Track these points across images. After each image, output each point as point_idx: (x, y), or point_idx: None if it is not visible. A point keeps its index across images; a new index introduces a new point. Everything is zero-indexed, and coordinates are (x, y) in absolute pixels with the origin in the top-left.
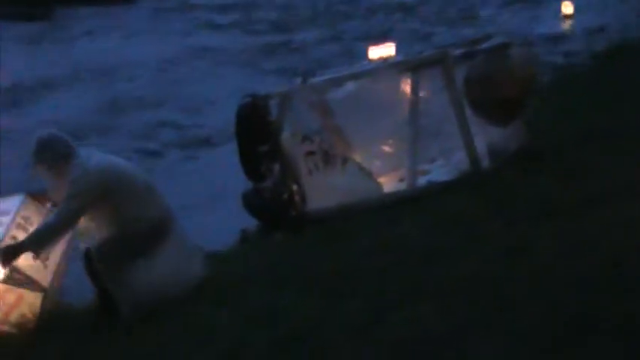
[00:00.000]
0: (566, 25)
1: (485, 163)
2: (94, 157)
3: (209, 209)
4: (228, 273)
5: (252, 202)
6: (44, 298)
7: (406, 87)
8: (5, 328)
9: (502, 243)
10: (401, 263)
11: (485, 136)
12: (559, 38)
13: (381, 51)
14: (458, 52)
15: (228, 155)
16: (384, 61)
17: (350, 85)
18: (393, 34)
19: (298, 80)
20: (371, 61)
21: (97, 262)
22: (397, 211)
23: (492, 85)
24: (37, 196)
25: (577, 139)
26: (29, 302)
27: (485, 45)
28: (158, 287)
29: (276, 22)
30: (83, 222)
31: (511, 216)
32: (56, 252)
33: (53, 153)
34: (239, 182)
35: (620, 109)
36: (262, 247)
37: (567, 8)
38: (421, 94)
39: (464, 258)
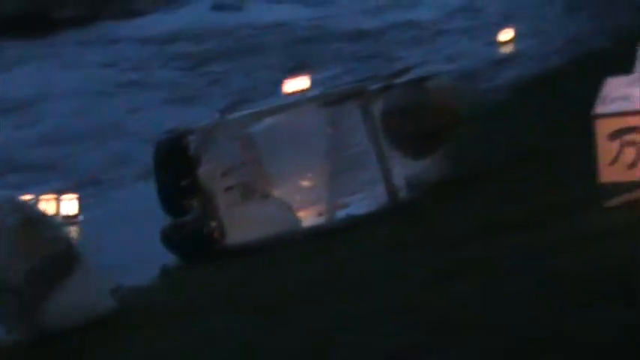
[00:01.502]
0: (505, 50)
1: (405, 194)
2: None
3: (129, 244)
4: (150, 305)
5: (171, 238)
6: None
7: (325, 121)
8: None
9: (423, 271)
10: (330, 293)
11: (404, 168)
12: (496, 64)
13: (296, 84)
14: (375, 85)
15: (147, 190)
16: (303, 95)
17: (269, 120)
18: (317, 66)
19: (218, 115)
20: (287, 94)
21: None
22: (319, 243)
23: (410, 117)
24: None
25: (505, 163)
26: None
27: (402, 78)
28: (63, 316)
29: (198, 55)
30: None
31: (434, 244)
32: None
33: None
34: (158, 218)
35: (549, 133)
36: (185, 280)
37: (506, 35)
38: (340, 127)
39: (391, 285)
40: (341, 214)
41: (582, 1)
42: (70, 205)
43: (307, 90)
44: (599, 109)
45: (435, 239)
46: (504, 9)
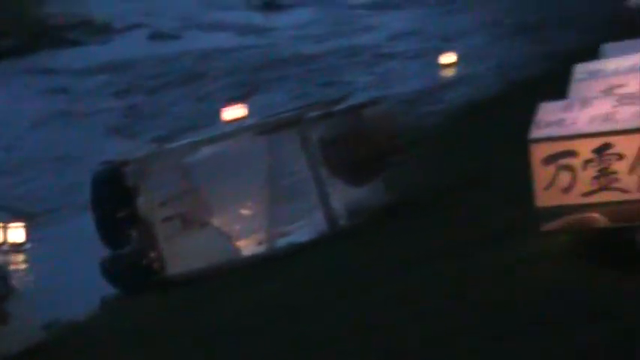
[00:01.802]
0: (446, 74)
1: (344, 221)
2: None
3: (70, 275)
4: (88, 337)
5: (111, 269)
6: None
7: (263, 149)
8: None
9: (369, 298)
10: (269, 322)
11: (344, 195)
12: (436, 88)
13: (235, 112)
14: (314, 113)
15: (87, 222)
16: (241, 124)
17: (207, 149)
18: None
19: (156, 145)
20: (226, 122)
21: None
22: (259, 272)
23: (348, 145)
24: None
25: (443, 189)
26: None
27: (341, 106)
28: None
29: (136, 85)
30: None
31: (375, 270)
32: None
33: None
34: (96, 250)
35: (486, 158)
36: (125, 312)
37: (447, 58)
38: (278, 155)
39: (327, 313)
40: (281, 242)
41: (521, 25)
42: (17, 233)
43: (245, 118)
44: (534, 133)
45: (374, 267)
46: (445, 33)
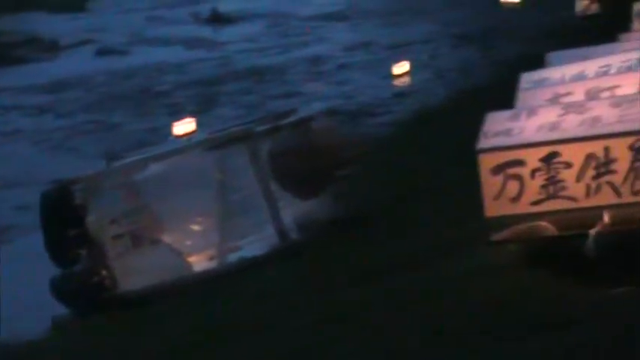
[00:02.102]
0: (397, 84)
1: (295, 235)
2: None
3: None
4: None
5: (61, 289)
6: None
7: (213, 164)
8: None
9: (320, 312)
10: (222, 339)
11: (294, 208)
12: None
13: (185, 127)
14: (262, 127)
15: (36, 241)
16: (190, 140)
17: (157, 166)
18: (201, 109)
19: (105, 162)
20: (176, 137)
21: None
22: (211, 289)
23: (297, 158)
24: None
25: (393, 201)
26: None
27: (288, 119)
28: None
29: (84, 102)
30: None
31: (325, 284)
32: None
33: None
34: (46, 269)
35: (435, 169)
36: (76, 331)
37: (399, 68)
38: (228, 170)
39: (285, 329)
40: (232, 257)
41: (468, 35)
42: None
43: (195, 133)
44: (482, 144)
45: (324, 281)
46: (394, 43)
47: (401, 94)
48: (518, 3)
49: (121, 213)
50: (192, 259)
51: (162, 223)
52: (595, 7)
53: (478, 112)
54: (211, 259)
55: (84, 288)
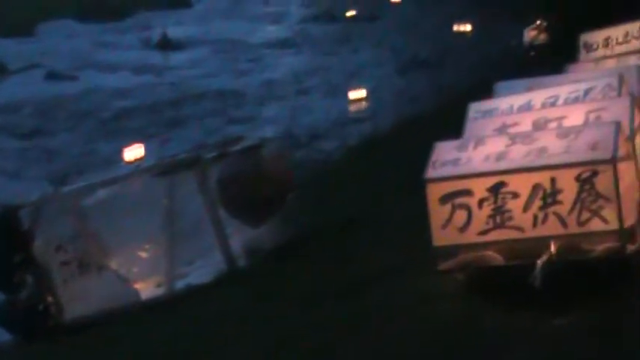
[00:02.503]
0: (346, 110)
1: (243, 261)
2: None
3: None
4: None
5: (6, 315)
6: None
7: (160, 190)
8: None
9: (267, 338)
10: None
11: (242, 235)
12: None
13: (136, 152)
14: (211, 154)
15: None
16: (138, 166)
17: (104, 191)
18: (150, 135)
19: (51, 188)
20: (126, 162)
21: None
22: (157, 315)
23: (245, 185)
24: None
25: (337, 229)
26: None
27: (237, 146)
28: None
29: (31, 126)
30: None
31: (271, 311)
32: None
33: None
34: None
35: (383, 197)
36: (21, 358)
37: (347, 94)
38: (176, 196)
39: (231, 356)
40: (180, 284)
41: (417, 62)
42: None
43: (144, 158)
44: (430, 173)
45: (270, 308)
46: (344, 70)
47: (352, 119)
48: (469, 31)
49: (67, 238)
50: (139, 285)
51: (109, 249)
52: (543, 37)
53: (426, 139)
54: (158, 285)
55: (29, 315)
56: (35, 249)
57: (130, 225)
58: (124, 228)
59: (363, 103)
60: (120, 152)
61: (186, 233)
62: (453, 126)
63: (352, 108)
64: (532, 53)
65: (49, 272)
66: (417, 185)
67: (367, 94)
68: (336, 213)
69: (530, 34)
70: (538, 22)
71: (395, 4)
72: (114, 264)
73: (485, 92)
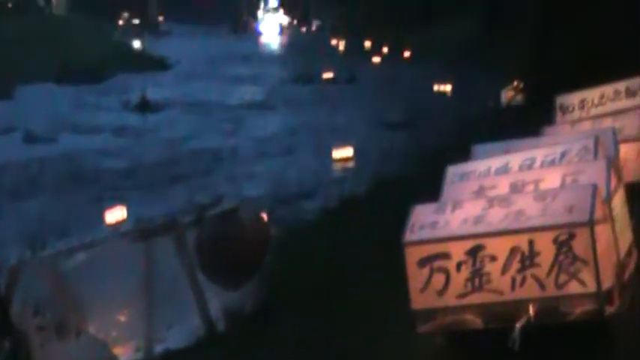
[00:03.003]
0: (324, 172)
1: (221, 325)
2: None
3: None
4: None
5: None
6: None
7: (139, 254)
8: None
9: None
10: None
11: (220, 298)
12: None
13: (117, 214)
14: (188, 217)
15: None
16: (116, 230)
17: (82, 255)
18: (129, 197)
19: (29, 252)
20: (107, 225)
21: None
22: None
23: (222, 248)
24: None
25: (315, 291)
26: None
27: (214, 210)
28: None
29: (9, 189)
30: None
31: None
32: None
33: None
34: None
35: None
36: None
37: (343, 152)
38: (154, 260)
39: None
40: (159, 348)
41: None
42: None
43: (124, 221)
44: (408, 236)
45: None
46: (321, 131)
47: (331, 179)
48: (449, 91)
49: (45, 302)
50: (118, 349)
51: (87, 314)
52: (520, 98)
53: (404, 201)
54: (137, 349)
55: None
56: (13, 314)
57: (109, 289)
58: (103, 292)
59: (349, 162)
60: (100, 214)
61: (164, 297)
62: (431, 187)
63: (335, 167)
64: (509, 114)
65: (26, 337)
66: (395, 247)
67: (343, 155)
68: (315, 274)
69: (507, 95)
70: (515, 83)
71: (374, 64)
72: (92, 328)
73: (463, 153)
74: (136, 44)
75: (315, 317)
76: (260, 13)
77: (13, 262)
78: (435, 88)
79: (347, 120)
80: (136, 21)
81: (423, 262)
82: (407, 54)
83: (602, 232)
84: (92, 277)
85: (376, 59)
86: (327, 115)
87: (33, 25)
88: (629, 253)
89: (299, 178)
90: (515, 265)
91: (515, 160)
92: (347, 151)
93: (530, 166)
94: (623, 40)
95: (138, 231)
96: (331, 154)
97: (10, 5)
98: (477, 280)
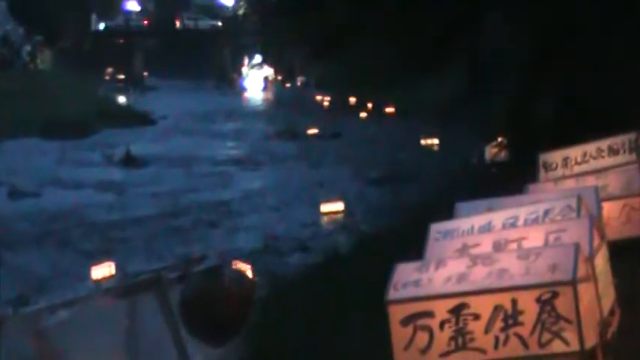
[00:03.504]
0: (308, 229)
1: None
2: None
3: None
4: None
5: None
6: None
7: (122, 311)
8: None
9: None
10: None
11: (204, 355)
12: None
13: (102, 271)
14: (172, 274)
15: None
16: (98, 287)
17: (64, 312)
18: (114, 253)
19: (10, 308)
20: (94, 281)
21: None
22: None
23: (206, 306)
24: None
25: (297, 349)
26: None
27: (198, 266)
28: None
29: None
30: None
31: None
32: None
33: None
34: None
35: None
36: None
37: (332, 206)
38: (137, 317)
39: None
40: None
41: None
42: None
43: (112, 277)
44: (391, 294)
45: None
46: (305, 187)
47: (309, 237)
48: (436, 144)
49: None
50: None
51: None
52: (503, 155)
53: (387, 258)
54: None
55: None
56: None
57: (92, 346)
58: (86, 349)
59: (338, 216)
60: (86, 270)
61: (148, 353)
62: (414, 243)
63: (322, 220)
64: (493, 170)
65: None
66: (379, 304)
67: (326, 212)
68: (299, 331)
69: (491, 151)
70: (499, 139)
71: (359, 120)
72: None
73: (447, 210)
74: (121, 99)
75: None
76: (244, 69)
77: None
78: (422, 142)
79: (332, 175)
80: (121, 76)
81: (406, 321)
82: (391, 110)
83: (586, 290)
84: (75, 333)
85: (361, 115)
86: (313, 171)
87: (18, 80)
88: (612, 312)
89: (285, 232)
90: (499, 323)
91: (498, 218)
92: (336, 205)
93: (513, 224)
94: (607, 98)
95: (121, 287)
96: (319, 208)
97: None
98: (460, 339)
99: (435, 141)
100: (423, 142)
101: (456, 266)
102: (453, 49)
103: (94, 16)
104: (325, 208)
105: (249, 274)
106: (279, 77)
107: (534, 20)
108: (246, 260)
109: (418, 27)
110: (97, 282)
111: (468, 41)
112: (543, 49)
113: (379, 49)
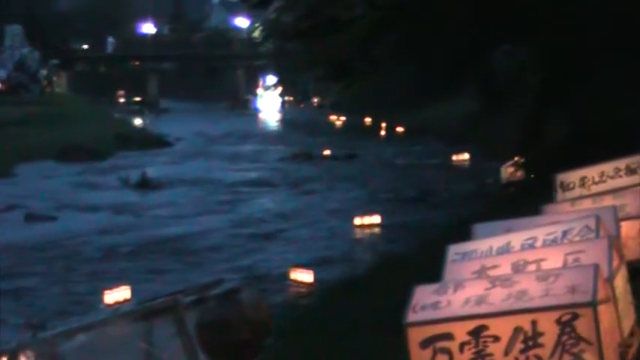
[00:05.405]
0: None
1: None
2: None
3: None
4: None
5: None
6: None
7: (139, 336)
8: None
9: None
10: None
11: None
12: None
13: (117, 295)
14: (189, 298)
15: None
16: (116, 311)
17: (81, 337)
18: (130, 277)
19: (27, 333)
20: (107, 305)
21: None
22: None
23: (224, 330)
24: None
25: None
26: None
27: (215, 290)
28: None
29: (9, 269)
30: None
31: None
32: None
33: None
34: None
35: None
36: None
37: (368, 219)
38: (154, 342)
39: None
40: None
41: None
42: None
43: (127, 301)
44: (410, 317)
45: None
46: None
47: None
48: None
49: None
50: None
51: None
52: (520, 175)
53: (405, 280)
54: None
55: None
56: None
57: None
58: None
59: (332, 245)
60: (101, 294)
61: None
62: (432, 266)
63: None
64: (511, 189)
65: None
66: (396, 328)
67: (343, 235)
68: (318, 355)
69: (507, 172)
70: (515, 159)
71: (374, 141)
72: None
73: (464, 231)
74: (137, 122)
75: None
76: (259, 91)
77: (12, 344)
78: (454, 157)
79: (348, 197)
80: (137, 99)
81: (425, 344)
82: (405, 130)
83: (605, 312)
84: (92, 358)
85: (376, 136)
86: (327, 193)
87: (34, 104)
88: (632, 333)
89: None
90: (519, 345)
91: (516, 239)
92: (373, 219)
93: (531, 245)
94: (622, 117)
95: (138, 312)
96: (332, 230)
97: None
98: None
99: (466, 155)
100: (455, 157)
101: (474, 288)
102: (467, 73)
103: (109, 40)
104: (359, 221)
105: (266, 298)
106: (294, 98)
107: (546, 46)
108: (260, 287)
109: (432, 53)
110: (111, 306)
111: (481, 66)
112: (556, 73)
113: (393, 73)
